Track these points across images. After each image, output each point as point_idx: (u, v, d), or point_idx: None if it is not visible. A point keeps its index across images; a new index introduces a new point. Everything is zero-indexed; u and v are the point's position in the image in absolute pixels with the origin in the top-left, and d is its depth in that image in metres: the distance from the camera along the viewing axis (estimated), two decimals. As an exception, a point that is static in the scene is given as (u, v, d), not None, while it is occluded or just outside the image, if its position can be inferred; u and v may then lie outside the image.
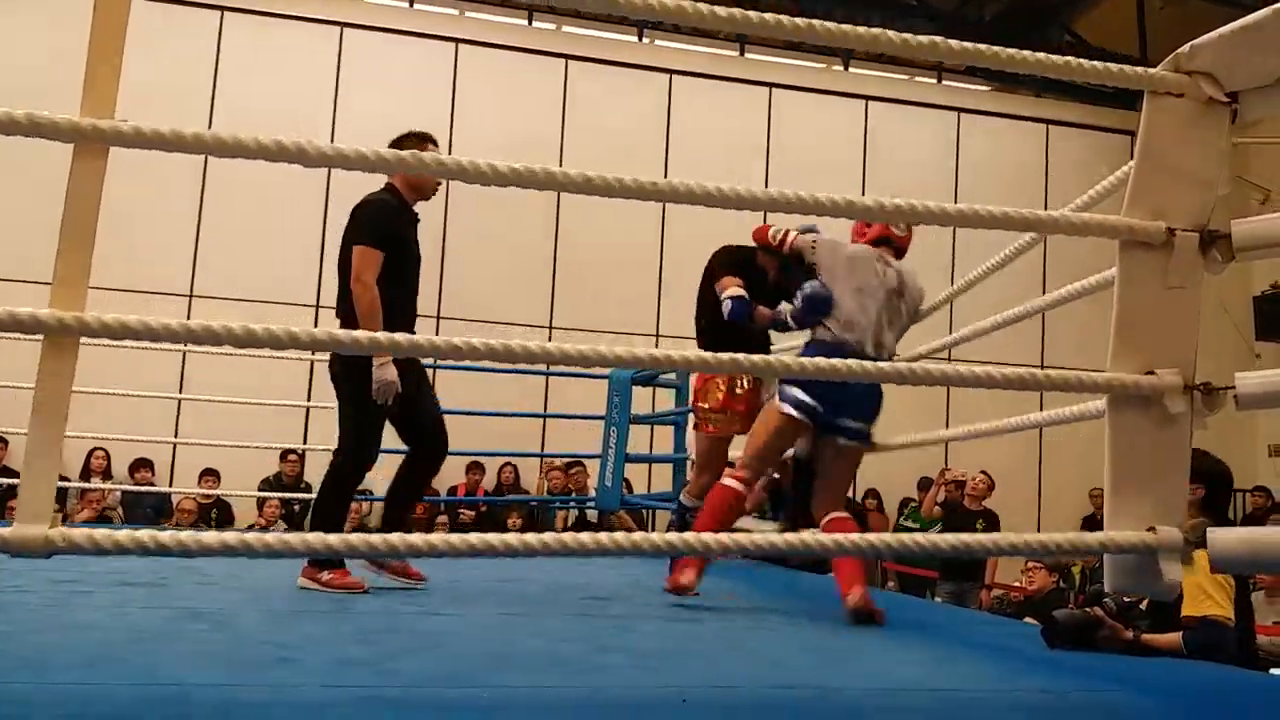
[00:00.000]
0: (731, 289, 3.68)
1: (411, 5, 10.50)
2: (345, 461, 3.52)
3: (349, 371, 3.45)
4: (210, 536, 1.40)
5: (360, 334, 1.61)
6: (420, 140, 3.57)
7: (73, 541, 1.37)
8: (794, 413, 3.34)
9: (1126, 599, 3.25)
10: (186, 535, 1.45)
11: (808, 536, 2.22)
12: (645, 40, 11.20)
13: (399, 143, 3.49)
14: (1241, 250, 1.85)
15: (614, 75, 10.59)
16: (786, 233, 3.66)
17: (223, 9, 9.62)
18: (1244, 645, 3.13)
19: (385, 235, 3.45)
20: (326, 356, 7.06)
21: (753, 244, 3.90)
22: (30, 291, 7.68)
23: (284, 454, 8.33)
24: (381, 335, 1.62)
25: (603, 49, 10.79)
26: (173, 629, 2.48)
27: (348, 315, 3.45)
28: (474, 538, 1.63)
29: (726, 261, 3.86)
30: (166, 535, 1.38)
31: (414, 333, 3.48)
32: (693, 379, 3.91)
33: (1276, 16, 1.57)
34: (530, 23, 10.84)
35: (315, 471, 8.73)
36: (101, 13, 1.45)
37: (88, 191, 1.43)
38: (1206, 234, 1.81)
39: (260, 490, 8.20)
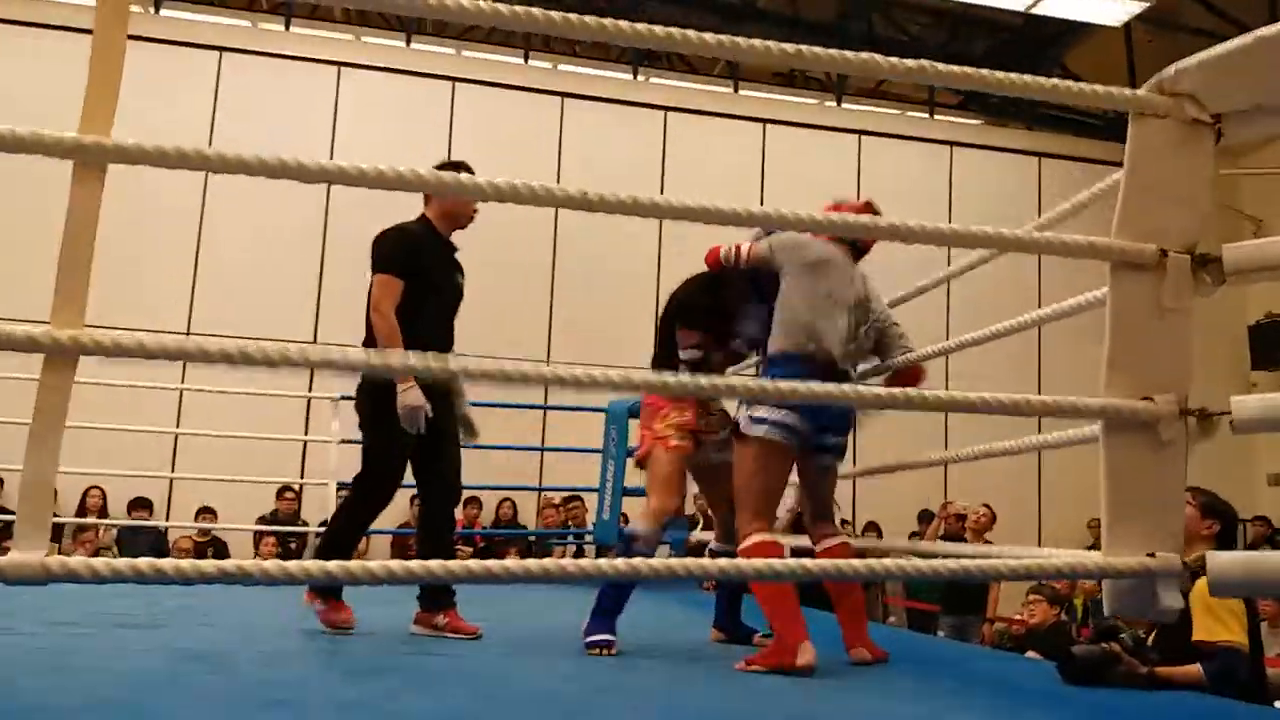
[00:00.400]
0: (687, 353, 3.44)
1: (408, 44, 10.62)
2: (359, 492, 3.45)
3: (372, 401, 3.36)
4: (207, 564, 1.40)
5: (353, 353, 1.60)
6: (455, 170, 3.45)
7: (70, 569, 1.36)
8: (776, 436, 2.99)
9: (1142, 633, 3.23)
10: (185, 563, 1.44)
11: (810, 562, 2.18)
12: (640, 78, 11.31)
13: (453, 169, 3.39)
14: (1233, 273, 1.85)
15: (610, 112, 10.69)
16: (737, 248, 3.29)
17: (221, 50, 9.72)
18: (1257, 676, 3.11)
19: (405, 264, 3.35)
20: (324, 391, 7.07)
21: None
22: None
23: (280, 491, 8.31)
24: (373, 354, 1.61)
25: (598, 86, 10.90)
26: (170, 671, 2.46)
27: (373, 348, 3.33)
28: (473, 564, 1.62)
29: (685, 305, 3.52)
30: (165, 562, 1.37)
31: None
32: (644, 399, 3.53)
33: (1258, 43, 1.60)
34: (526, 61, 10.96)
35: (312, 508, 8.71)
36: (100, 34, 1.47)
37: (87, 210, 1.44)
38: (1197, 256, 1.82)
39: (252, 525, 8.17)
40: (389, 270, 3.33)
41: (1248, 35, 1.63)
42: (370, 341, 3.35)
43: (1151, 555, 1.82)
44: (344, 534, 3.43)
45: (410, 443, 3.33)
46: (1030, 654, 5.14)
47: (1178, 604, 1.81)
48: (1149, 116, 1.70)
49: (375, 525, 6.17)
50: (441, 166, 3.38)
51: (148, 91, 8.98)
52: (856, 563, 1.99)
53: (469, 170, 3.38)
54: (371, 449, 3.43)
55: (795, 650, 2.74)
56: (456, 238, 3.59)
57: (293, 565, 1.39)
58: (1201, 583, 2.56)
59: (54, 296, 1.47)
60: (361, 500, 3.43)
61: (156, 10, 9.97)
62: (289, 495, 8.37)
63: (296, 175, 1.56)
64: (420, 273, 3.36)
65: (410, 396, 3.23)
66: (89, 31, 1.51)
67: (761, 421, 2.99)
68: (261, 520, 8.30)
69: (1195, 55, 1.68)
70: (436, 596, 3.38)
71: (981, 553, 3.85)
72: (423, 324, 3.33)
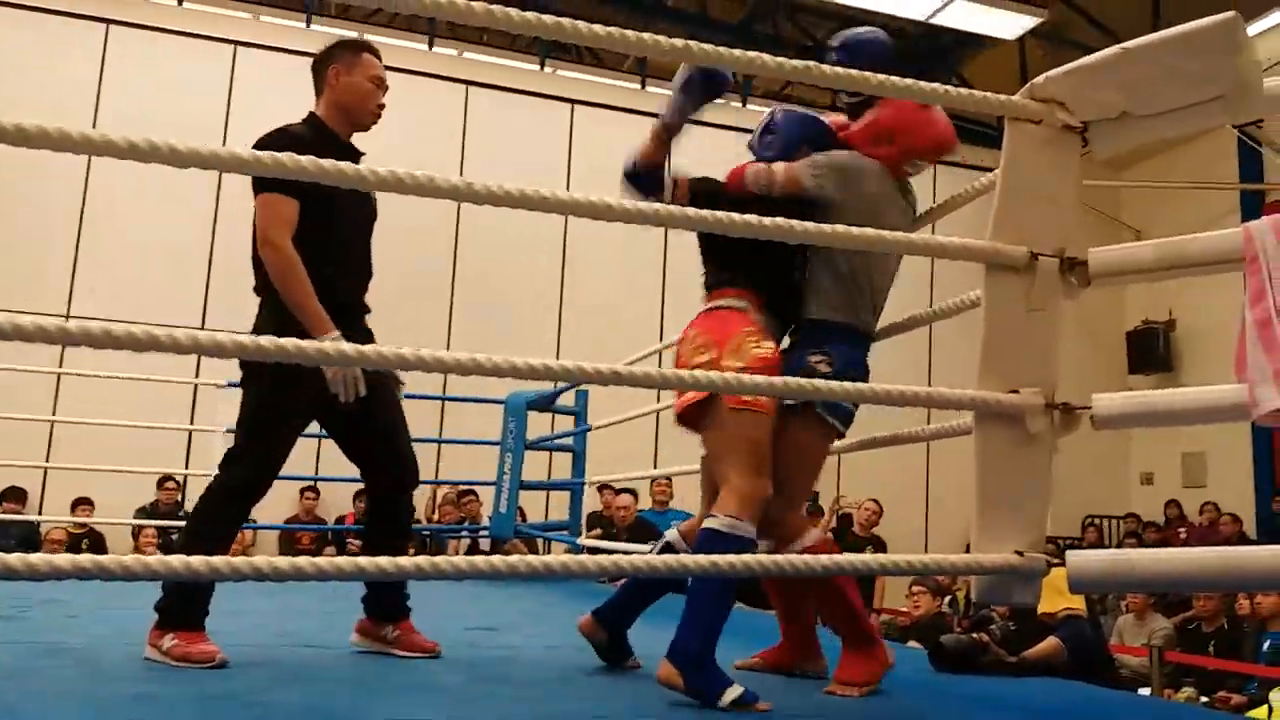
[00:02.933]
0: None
1: (308, 26, 10.35)
2: (226, 476, 2.60)
3: (255, 367, 2.57)
4: (38, 558, 1.33)
5: (245, 339, 1.54)
6: (355, 50, 2.75)
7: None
8: (842, 427, 2.49)
9: (1013, 627, 3.39)
10: (13, 557, 1.37)
11: (770, 559, 2.09)
12: (548, 69, 11.25)
13: (329, 53, 2.77)
14: (1098, 276, 1.95)
15: (515, 104, 10.60)
16: (769, 169, 2.57)
17: (108, 22, 9.33)
18: (1102, 644, 3.30)
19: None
20: (210, 378, 6.84)
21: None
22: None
23: (160, 481, 8.02)
24: (288, 341, 1.53)
25: (504, 76, 10.80)
26: (29, 666, 2.35)
27: (268, 290, 2.61)
28: (364, 561, 1.58)
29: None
30: (14, 557, 1.31)
31: (360, 313, 2.77)
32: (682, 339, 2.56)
33: (1122, 55, 1.68)
34: (431, 48, 10.80)
35: (193, 495, 8.42)
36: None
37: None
38: (1065, 259, 1.90)
39: (132, 518, 7.89)
40: (275, 187, 2.55)
41: (1114, 48, 1.71)
42: (265, 284, 2.62)
43: (1020, 554, 1.90)
44: (207, 530, 2.54)
45: (288, 423, 2.61)
46: (912, 644, 5.30)
47: (1033, 599, 1.90)
48: (1022, 121, 1.77)
49: (262, 519, 5.58)
50: (335, 45, 2.83)
51: (29, 63, 8.59)
52: (749, 558, 2.01)
53: (371, 51, 2.81)
54: (242, 423, 2.62)
55: (884, 653, 2.50)
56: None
57: (130, 560, 1.34)
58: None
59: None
60: (223, 489, 2.59)
61: (39, -24, 9.51)
62: (170, 485, 8.09)
63: (170, 160, 1.50)
64: (315, 189, 2.35)
65: None
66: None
67: (840, 412, 2.46)
68: (141, 512, 8.01)
69: (1065, 65, 1.76)
70: (389, 602, 2.79)
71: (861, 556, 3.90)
72: (329, 255, 2.61)
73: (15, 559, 1.34)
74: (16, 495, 8.00)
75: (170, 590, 2.48)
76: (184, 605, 2.47)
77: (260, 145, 2.57)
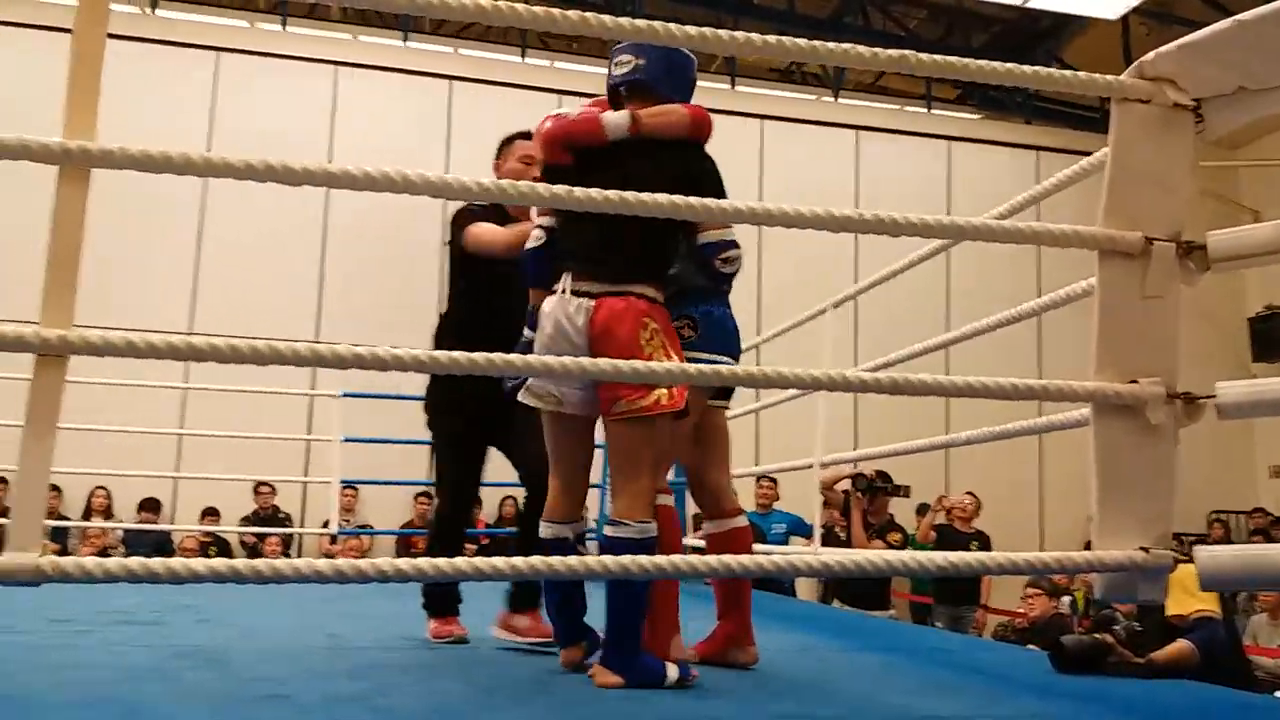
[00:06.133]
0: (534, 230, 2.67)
1: (405, 42, 10.63)
2: (440, 505, 3.40)
3: (433, 403, 3.35)
4: (197, 563, 1.41)
5: (362, 350, 1.60)
6: (508, 142, 3.47)
7: (61, 569, 1.37)
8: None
9: (1139, 627, 3.26)
10: (176, 562, 1.46)
11: (796, 557, 2.14)
12: (637, 75, 11.31)
13: (496, 153, 3.45)
14: (1217, 260, 1.87)
15: (607, 109, 10.68)
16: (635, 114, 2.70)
17: (218, 50, 9.73)
18: (1236, 647, 3.15)
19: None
20: (326, 388, 7.06)
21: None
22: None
23: (256, 487, 8.37)
24: (389, 351, 1.61)
25: (596, 84, 10.86)
26: (166, 667, 2.46)
27: (445, 313, 3.36)
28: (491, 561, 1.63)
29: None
30: (155, 561, 1.39)
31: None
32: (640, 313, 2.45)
33: (1236, 27, 1.61)
34: (523, 58, 10.97)
35: (316, 508, 8.70)
36: (80, 36, 1.48)
37: (73, 215, 1.45)
38: (1183, 243, 1.83)
39: (241, 526, 8.24)
40: (473, 219, 3.24)
41: (1226, 20, 1.64)
42: (449, 302, 3.36)
43: (1145, 550, 1.83)
44: (437, 545, 3.30)
45: (472, 447, 3.31)
46: (1030, 647, 5.14)
47: (1159, 596, 1.83)
48: (1131, 102, 1.72)
49: (380, 525, 5.95)
50: (512, 137, 3.45)
51: (145, 92, 9.00)
52: (853, 554, 1.99)
53: (524, 137, 3.39)
54: (439, 458, 3.40)
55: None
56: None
57: (262, 564, 1.40)
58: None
59: (42, 299, 1.49)
60: (440, 516, 3.40)
61: (153, 10, 9.97)
62: (265, 489, 8.47)
63: (283, 179, 1.57)
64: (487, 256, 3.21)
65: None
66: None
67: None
68: (245, 520, 8.37)
69: (1175, 41, 1.69)
70: (524, 595, 3.17)
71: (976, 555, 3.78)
72: (482, 310, 3.26)
73: (157, 563, 1.42)
74: (152, 505, 8.41)
75: (425, 589, 3.26)
76: (433, 599, 3.25)
77: (458, 213, 3.34)
